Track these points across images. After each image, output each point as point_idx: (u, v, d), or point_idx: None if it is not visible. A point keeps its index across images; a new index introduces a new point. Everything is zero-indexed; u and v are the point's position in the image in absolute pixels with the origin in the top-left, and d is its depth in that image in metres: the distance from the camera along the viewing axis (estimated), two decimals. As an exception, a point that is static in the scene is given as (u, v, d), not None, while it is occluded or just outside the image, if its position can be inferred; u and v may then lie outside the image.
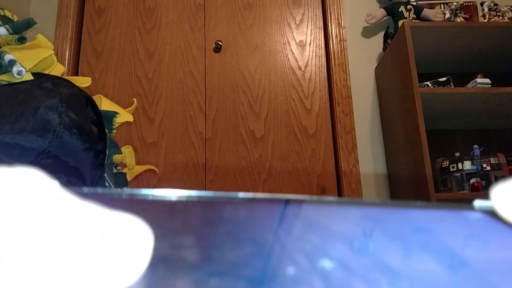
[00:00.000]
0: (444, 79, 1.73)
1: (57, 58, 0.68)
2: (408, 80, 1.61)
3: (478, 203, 0.15)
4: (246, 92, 1.90)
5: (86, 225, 0.11)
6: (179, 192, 0.14)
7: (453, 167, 1.61)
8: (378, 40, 1.98)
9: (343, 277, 0.11)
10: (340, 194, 1.79)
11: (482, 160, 1.58)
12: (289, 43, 1.99)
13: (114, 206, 0.11)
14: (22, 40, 0.64)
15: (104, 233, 0.11)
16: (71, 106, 0.61)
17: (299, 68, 1.95)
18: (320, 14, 2.05)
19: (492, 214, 0.14)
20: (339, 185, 1.80)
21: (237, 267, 0.11)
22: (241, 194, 0.14)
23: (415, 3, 1.90)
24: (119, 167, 0.75)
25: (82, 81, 0.69)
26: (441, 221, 0.15)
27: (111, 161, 0.70)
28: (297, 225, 0.14)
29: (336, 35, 1.97)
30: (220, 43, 1.93)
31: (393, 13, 1.89)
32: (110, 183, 0.68)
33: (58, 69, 0.67)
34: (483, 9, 1.91)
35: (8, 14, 0.68)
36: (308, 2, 2.06)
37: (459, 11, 1.86)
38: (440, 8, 1.99)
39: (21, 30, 0.66)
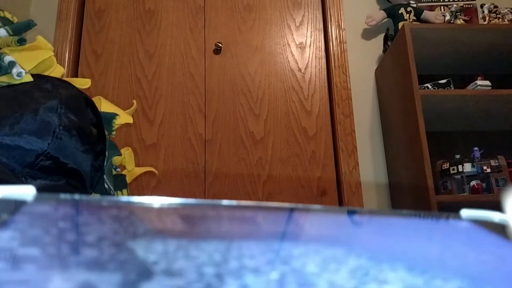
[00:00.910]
0: (444, 81, 1.73)
1: (56, 59, 0.68)
2: (408, 82, 1.61)
3: (465, 212, 0.15)
4: (246, 94, 1.90)
5: None
6: (158, 200, 0.14)
7: (453, 169, 1.61)
8: (378, 42, 1.98)
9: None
10: (340, 196, 1.79)
11: (483, 162, 1.58)
12: (289, 45, 1.99)
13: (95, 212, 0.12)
14: (22, 41, 0.63)
15: None
16: (71, 107, 0.60)
17: (299, 70, 1.95)
18: (320, 16, 2.05)
19: (480, 223, 0.14)
20: (339, 187, 1.80)
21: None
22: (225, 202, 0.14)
23: (415, 5, 1.90)
24: (118, 169, 0.75)
25: (82, 83, 0.69)
26: (428, 229, 0.15)
27: (110, 162, 0.69)
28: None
29: (336, 37, 1.97)
30: (220, 44, 1.93)
31: (393, 15, 1.89)
32: (109, 184, 0.68)
33: (57, 71, 0.67)
34: (483, 11, 1.91)
35: (8, 15, 0.68)
36: (308, 4, 2.06)
37: (459, 13, 1.86)
38: (440, 10, 2.00)
39: (21, 32, 0.66)
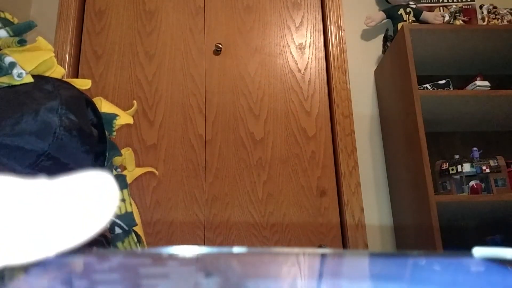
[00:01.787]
0: (443, 81, 1.73)
1: (57, 60, 0.68)
2: (407, 82, 1.61)
3: (477, 251, 0.14)
4: (246, 94, 1.91)
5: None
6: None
7: (452, 169, 1.61)
8: (377, 43, 1.99)
9: None
10: (339, 196, 1.79)
11: (482, 162, 1.59)
12: (288, 45, 1.99)
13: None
14: (22, 42, 0.64)
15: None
16: (71, 108, 0.61)
17: (299, 70, 1.96)
18: (319, 17, 2.05)
19: (492, 260, 0.14)
20: (339, 188, 1.80)
21: None
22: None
23: (414, 6, 1.91)
24: (119, 169, 0.75)
25: (82, 84, 0.70)
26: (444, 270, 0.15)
27: (111, 163, 0.70)
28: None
29: (336, 37, 1.98)
30: (220, 45, 1.93)
31: (392, 16, 1.90)
32: (110, 185, 0.68)
33: (58, 72, 0.68)
34: (482, 12, 1.91)
35: (8, 16, 0.69)
36: (307, 5, 2.06)
37: (458, 14, 1.86)
38: (440, 11, 2.00)
39: (21, 33, 0.67)
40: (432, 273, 0.14)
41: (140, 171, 0.83)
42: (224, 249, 0.14)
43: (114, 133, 0.74)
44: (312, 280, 0.13)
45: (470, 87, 1.71)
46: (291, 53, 1.98)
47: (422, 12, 1.88)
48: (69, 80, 0.68)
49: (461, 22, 1.85)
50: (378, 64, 1.94)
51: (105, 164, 0.68)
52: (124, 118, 0.75)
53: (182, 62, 1.94)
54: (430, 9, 1.99)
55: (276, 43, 1.99)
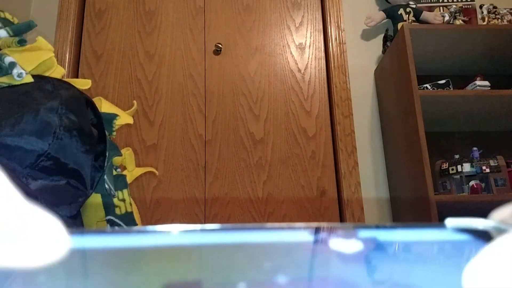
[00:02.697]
0: (443, 81, 1.73)
1: (57, 60, 0.68)
2: (407, 82, 1.61)
3: (450, 222, 0.15)
4: (246, 94, 1.91)
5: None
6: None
7: (452, 169, 1.61)
8: (377, 43, 1.99)
9: None
10: (339, 196, 1.79)
11: (482, 162, 1.59)
12: (288, 45, 1.99)
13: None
14: (22, 42, 0.64)
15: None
16: (71, 108, 0.61)
17: (299, 70, 1.96)
18: (319, 17, 2.05)
19: (464, 230, 0.14)
20: (339, 188, 1.80)
21: None
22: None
23: (414, 6, 1.91)
24: (119, 169, 0.75)
25: (82, 84, 0.70)
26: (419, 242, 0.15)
27: (111, 163, 0.70)
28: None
29: (336, 37, 1.98)
30: (220, 45, 1.93)
31: (392, 15, 1.90)
32: (110, 185, 0.68)
33: (58, 71, 0.68)
34: (482, 12, 1.91)
35: (8, 16, 0.69)
36: (307, 5, 2.06)
37: (458, 13, 1.86)
38: (439, 10, 2.00)
39: (21, 33, 0.67)
40: (404, 244, 0.14)
41: (140, 171, 0.83)
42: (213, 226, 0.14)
43: (114, 133, 0.74)
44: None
45: (470, 87, 1.71)
46: (291, 53, 1.98)
47: (422, 12, 1.88)
48: (69, 80, 0.68)
49: (461, 22, 1.85)
50: (378, 64, 1.94)
51: (105, 164, 0.68)
52: (124, 118, 0.75)
53: (182, 62, 1.94)
54: (430, 9, 1.99)
55: (276, 43, 1.99)
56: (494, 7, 1.89)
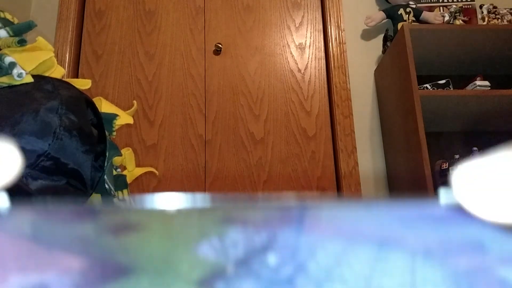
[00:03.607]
0: (443, 81, 1.73)
1: (57, 60, 0.68)
2: (407, 82, 1.61)
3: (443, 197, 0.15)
4: (246, 94, 1.91)
5: None
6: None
7: (452, 169, 1.61)
8: (377, 43, 1.99)
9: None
10: (339, 196, 1.79)
11: (482, 162, 1.58)
12: (288, 45, 1.99)
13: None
14: (22, 42, 0.64)
15: None
16: (71, 108, 0.61)
17: (299, 70, 1.96)
18: (319, 16, 2.05)
19: (456, 206, 0.14)
20: (339, 188, 1.80)
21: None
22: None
23: (414, 6, 1.91)
24: (119, 169, 0.75)
25: (82, 84, 0.70)
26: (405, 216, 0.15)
27: (111, 163, 0.70)
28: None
29: (336, 37, 1.98)
30: (220, 45, 1.93)
31: (392, 15, 1.90)
32: (110, 185, 0.68)
33: (58, 72, 0.68)
34: (482, 12, 1.91)
35: (8, 16, 0.69)
36: (307, 5, 2.06)
37: (458, 13, 1.86)
38: (439, 10, 2.00)
39: (21, 33, 0.67)
40: (396, 218, 0.14)
41: (140, 171, 0.83)
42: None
43: (114, 133, 0.74)
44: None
45: (470, 87, 1.71)
46: (291, 53, 1.98)
47: (422, 12, 1.88)
48: (69, 80, 0.68)
49: (461, 22, 1.85)
50: (378, 64, 1.94)
51: (105, 164, 0.68)
52: (124, 118, 0.75)
53: (182, 62, 1.94)
54: (430, 9, 1.99)
55: (276, 43, 1.99)
56: (494, 7, 1.89)
